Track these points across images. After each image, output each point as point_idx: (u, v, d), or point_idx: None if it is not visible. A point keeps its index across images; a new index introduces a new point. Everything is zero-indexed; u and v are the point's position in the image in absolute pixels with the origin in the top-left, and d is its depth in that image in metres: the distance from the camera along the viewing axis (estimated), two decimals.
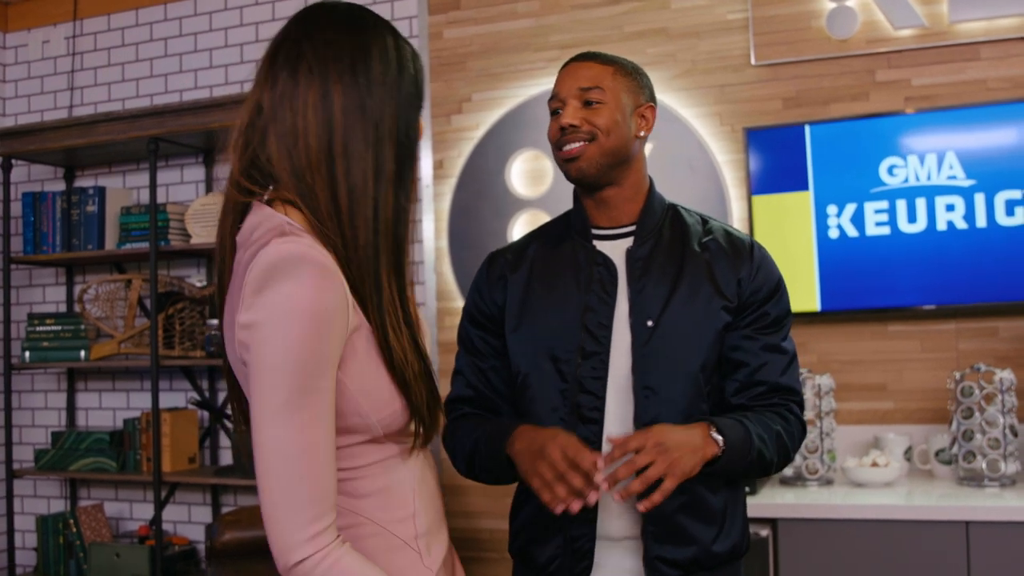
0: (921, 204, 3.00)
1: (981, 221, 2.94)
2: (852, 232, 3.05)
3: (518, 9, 3.53)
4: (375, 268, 1.22)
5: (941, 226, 2.98)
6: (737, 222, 3.22)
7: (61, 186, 4.10)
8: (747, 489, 2.69)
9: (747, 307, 1.69)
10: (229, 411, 3.67)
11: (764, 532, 2.63)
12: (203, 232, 3.57)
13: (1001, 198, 2.93)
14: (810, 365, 3.11)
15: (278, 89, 1.24)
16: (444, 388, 1.97)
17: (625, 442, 1.49)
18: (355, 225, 1.21)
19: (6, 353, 3.82)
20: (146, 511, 3.89)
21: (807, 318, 3.08)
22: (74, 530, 3.73)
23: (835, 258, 3.07)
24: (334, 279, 1.16)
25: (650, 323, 1.65)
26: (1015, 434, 2.73)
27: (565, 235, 1.78)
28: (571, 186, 1.78)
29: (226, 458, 3.80)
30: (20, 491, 4.11)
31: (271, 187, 1.24)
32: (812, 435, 2.85)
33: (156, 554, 3.47)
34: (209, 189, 3.86)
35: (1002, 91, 3.01)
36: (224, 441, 3.81)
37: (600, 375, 1.65)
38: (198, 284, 3.79)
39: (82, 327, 3.76)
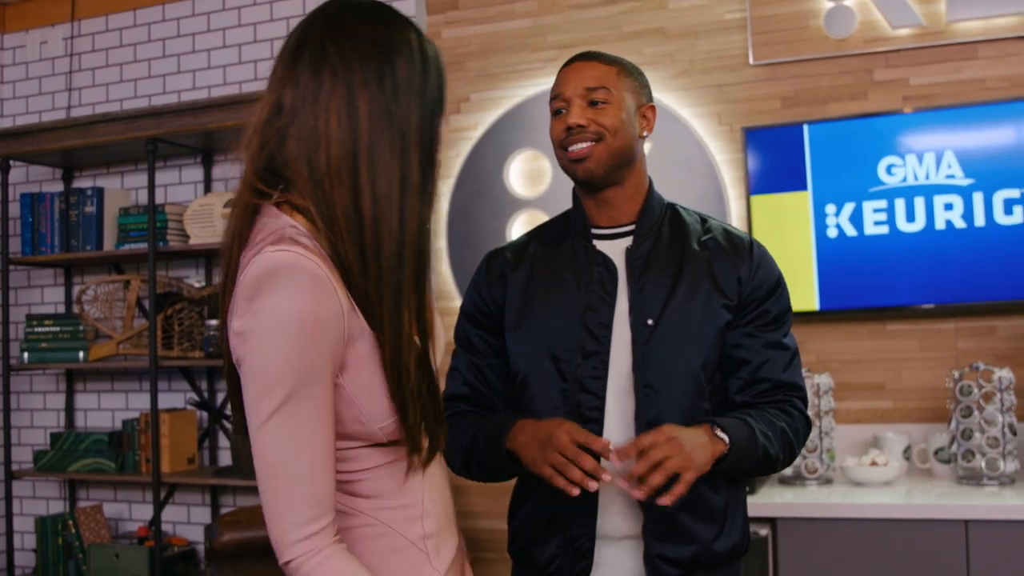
0: (919, 203, 3.00)
1: (979, 220, 2.94)
2: (851, 231, 3.06)
3: (516, 9, 3.53)
4: (398, 279, 1.21)
5: (940, 225, 2.98)
6: (736, 222, 3.22)
7: (59, 187, 4.10)
8: (747, 488, 2.69)
9: (748, 305, 1.69)
10: (228, 411, 3.67)
11: (763, 531, 2.63)
12: (202, 233, 3.57)
13: (999, 197, 2.93)
14: (809, 364, 3.11)
15: (299, 90, 1.21)
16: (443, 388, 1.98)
17: (637, 441, 1.49)
18: (380, 235, 1.19)
19: (5, 354, 3.81)
20: (145, 512, 3.89)
21: (806, 317, 3.08)
22: (73, 531, 3.72)
23: (834, 257, 3.07)
24: (326, 288, 1.15)
25: (650, 322, 1.65)
26: (1014, 433, 2.73)
27: (564, 235, 1.78)
28: (569, 186, 1.78)
29: (225, 459, 3.80)
30: (19, 492, 4.11)
31: (280, 188, 1.22)
32: (811, 434, 2.85)
33: (155, 555, 3.47)
34: (208, 190, 3.86)
35: (1000, 90, 3.01)
36: (223, 442, 3.81)
37: (600, 374, 1.65)
38: (197, 285, 3.79)
39: (81, 328, 3.76)
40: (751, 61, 3.25)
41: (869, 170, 3.04)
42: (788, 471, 2.89)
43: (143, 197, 3.97)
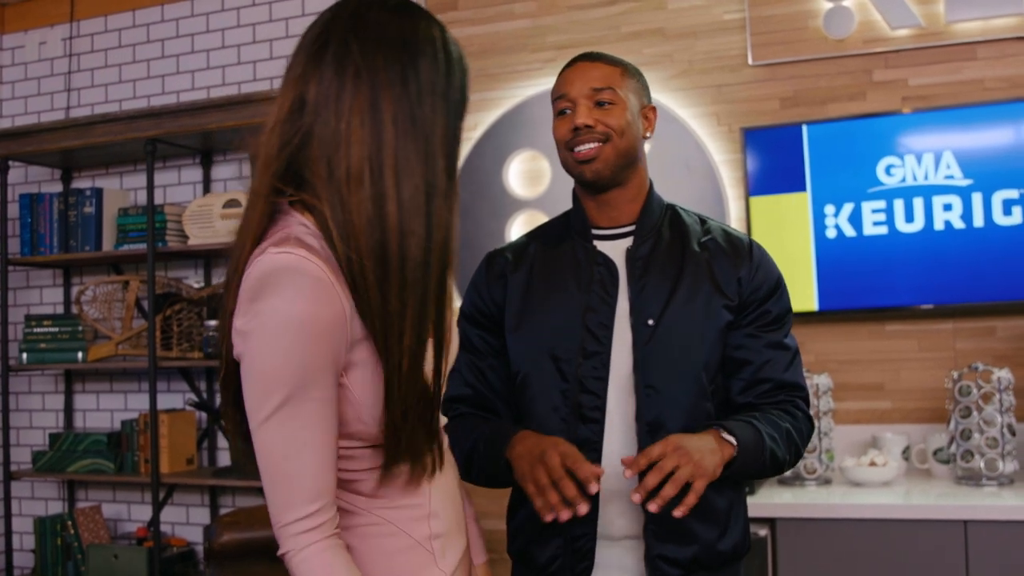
0: (918, 204, 3.00)
1: (978, 220, 2.95)
2: (850, 232, 3.06)
3: (515, 10, 3.54)
4: (424, 288, 1.18)
5: (938, 226, 2.98)
6: (735, 222, 3.23)
7: (58, 187, 4.10)
8: (747, 489, 2.69)
9: (748, 305, 1.69)
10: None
11: (763, 532, 2.63)
12: (201, 233, 3.57)
13: (998, 197, 2.94)
14: (808, 365, 3.11)
15: (323, 87, 1.18)
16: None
17: (646, 452, 1.48)
18: (405, 243, 1.16)
19: (3, 355, 3.81)
20: (144, 512, 3.89)
21: (805, 318, 3.08)
22: (72, 532, 3.72)
23: (833, 258, 3.07)
24: (327, 290, 1.14)
25: (651, 322, 1.65)
26: (1013, 433, 2.73)
27: (565, 235, 1.78)
28: (569, 187, 1.79)
29: (224, 459, 3.79)
30: (18, 493, 4.10)
31: (295, 186, 1.20)
32: None
33: (154, 555, 3.47)
34: (207, 190, 3.86)
35: (999, 91, 3.02)
36: (222, 442, 3.81)
37: (601, 375, 1.65)
38: (196, 285, 3.78)
39: (79, 328, 3.76)
40: (750, 61, 3.25)
41: (868, 171, 3.05)
42: (787, 471, 2.88)
43: (142, 198, 3.96)
